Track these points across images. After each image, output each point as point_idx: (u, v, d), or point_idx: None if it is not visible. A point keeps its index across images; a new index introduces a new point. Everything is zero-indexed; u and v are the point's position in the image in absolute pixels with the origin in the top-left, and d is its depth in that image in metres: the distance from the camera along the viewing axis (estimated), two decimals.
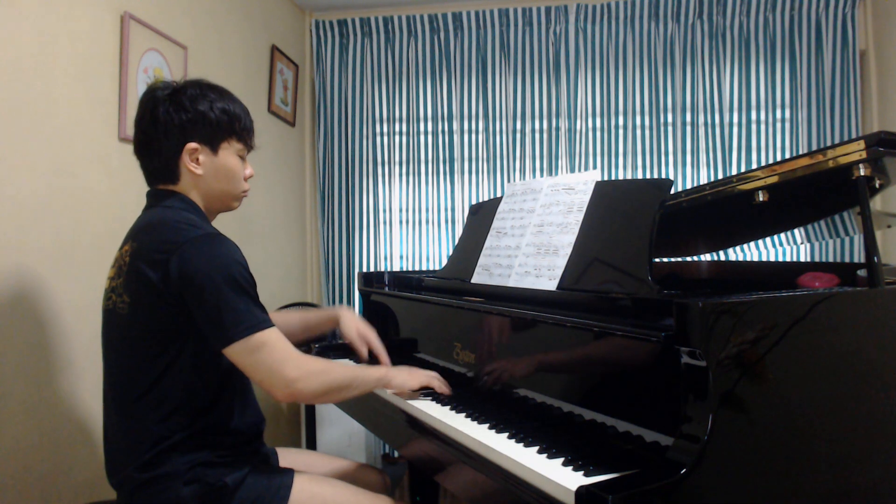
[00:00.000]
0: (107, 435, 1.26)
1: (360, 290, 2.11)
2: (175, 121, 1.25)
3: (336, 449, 2.86)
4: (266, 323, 1.18)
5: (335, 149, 3.32)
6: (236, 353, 1.16)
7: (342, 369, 1.30)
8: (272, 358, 1.17)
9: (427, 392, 1.49)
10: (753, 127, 3.05)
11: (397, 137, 3.30)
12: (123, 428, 1.20)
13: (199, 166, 1.28)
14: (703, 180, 3.06)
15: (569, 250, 1.42)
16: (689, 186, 3.07)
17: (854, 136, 2.96)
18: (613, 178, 3.11)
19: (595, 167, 3.14)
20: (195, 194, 1.30)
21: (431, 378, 1.46)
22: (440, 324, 1.69)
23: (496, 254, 1.64)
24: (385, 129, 3.31)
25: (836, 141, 2.94)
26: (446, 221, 3.25)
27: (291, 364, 1.19)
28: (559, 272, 1.41)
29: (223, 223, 1.67)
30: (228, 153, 1.31)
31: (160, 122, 1.25)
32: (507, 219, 1.68)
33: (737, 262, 2.73)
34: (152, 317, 1.18)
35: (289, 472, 1.29)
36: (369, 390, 1.40)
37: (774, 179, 1.24)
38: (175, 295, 1.15)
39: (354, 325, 1.70)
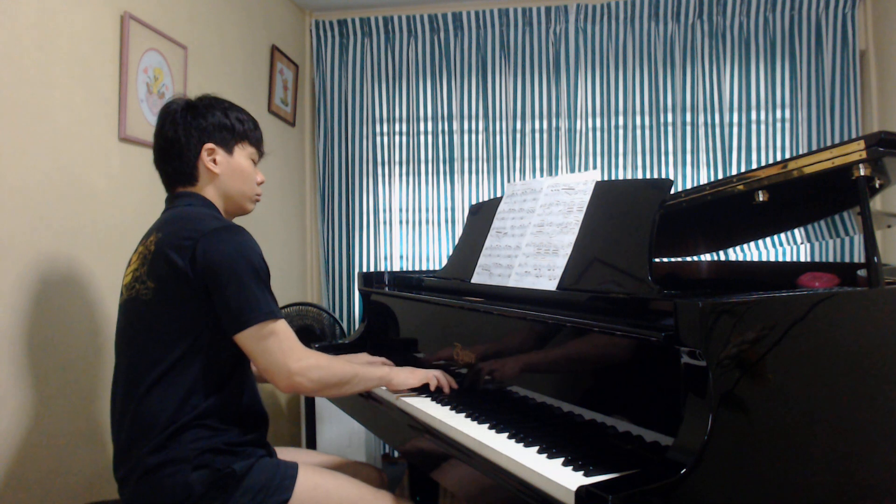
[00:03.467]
0: (117, 426, 1.28)
1: (360, 290, 2.11)
2: (193, 125, 1.36)
3: (336, 448, 2.86)
4: (279, 313, 1.26)
5: (335, 149, 3.32)
6: (247, 338, 1.22)
7: (343, 366, 1.35)
8: (279, 348, 1.23)
9: (425, 391, 1.49)
10: (753, 127, 3.05)
11: (397, 137, 3.30)
12: (140, 414, 1.22)
13: (217, 165, 1.38)
14: (703, 180, 3.06)
15: (569, 250, 1.42)
16: (689, 186, 3.07)
17: (854, 136, 2.96)
18: (613, 178, 3.11)
19: (595, 167, 3.14)
20: (212, 193, 1.39)
21: (431, 376, 1.49)
22: (440, 324, 1.68)
23: (496, 254, 1.64)
24: (385, 129, 3.31)
25: (836, 141, 2.94)
26: (446, 221, 3.25)
27: (295, 356, 1.25)
28: (559, 272, 1.41)
29: None
30: (242, 155, 1.42)
31: (180, 127, 1.36)
32: (507, 219, 1.68)
33: (737, 262, 2.73)
34: (175, 301, 1.24)
35: (293, 463, 1.32)
36: (370, 388, 1.45)
37: (774, 179, 1.25)
38: (199, 280, 1.22)
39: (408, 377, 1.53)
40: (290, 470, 1.29)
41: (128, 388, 1.25)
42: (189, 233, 1.24)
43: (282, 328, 1.25)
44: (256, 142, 1.45)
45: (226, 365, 1.27)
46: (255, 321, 1.21)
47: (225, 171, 1.39)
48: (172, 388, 1.22)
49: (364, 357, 1.70)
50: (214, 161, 1.37)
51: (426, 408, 1.39)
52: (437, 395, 1.47)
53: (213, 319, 1.24)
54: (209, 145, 1.36)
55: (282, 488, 1.25)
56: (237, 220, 1.42)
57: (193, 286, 1.22)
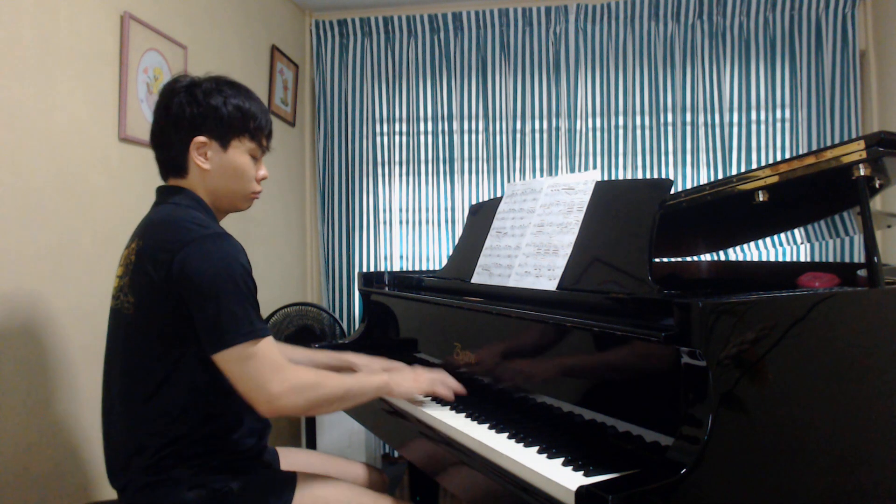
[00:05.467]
0: (108, 438, 1.24)
1: (360, 290, 2.11)
2: (186, 113, 1.24)
3: (336, 449, 2.86)
4: (263, 331, 1.15)
5: (335, 149, 3.32)
6: (226, 360, 1.12)
7: (335, 381, 1.24)
8: (259, 370, 1.13)
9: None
10: (753, 127, 3.05)
11: (397, 137, 3.30)
12: (129, 430, 1.18)
13: (207, 161, 1.26)
14: (703, 180, 3.06)
15: (569, 250, 1.42)
16: (689, 186, 3.07)
17: (854, 136, 2.96)
18: (613, 178, 3.11)
19: (595, 167, 3.14)
20: (203, 190, 1.28)
21: (436, 383, 1.40)
22: (440, 324, 1.68)
23: (496, 254, 1.64)
24: (385, 129, 3.31)
25: (836, 141, 2.94)
26: (446, 221, 3.25)
27: (278, 377, 1.14)
28: (559, 272, 1.41)
29: (223, 222, 1.66)
30: (239, 151, 1.28)
31: (172, 113, 1.24)
32: (507, 219, 1.68)
33: (737, 262, 2.73)
34: (156, 317, 1.16)
35: (291, 477, 1.27)
36: (369, 400, 1.33)
37: (774, 179, 1.24)
38: (177, 295, 1.13)
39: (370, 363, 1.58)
40: (289, 484, 1.25)
41: (120, 403, 1.21)
42: (167, 243, 1.14)
43: (263, 349, 1.13)
44: (258, 136, 1.30)
45: (219, 380, 1.17)
46: (233, 342, 1.10)
47: (216, 168, 1.26)
48: (163, 407, 1.16)
49: (367, 360, 1.61)
50: (205, 156, 1.25)
51: (426, 408, 1.39)
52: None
53: (198, 336, 1.15)
54: (200, 139, 1.24)
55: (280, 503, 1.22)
56: (233, 218, 1.39)
57: (172, 302, 1.13)
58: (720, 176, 3.04)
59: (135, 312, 1.18)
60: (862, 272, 1.35)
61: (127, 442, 1.19)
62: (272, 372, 1.13)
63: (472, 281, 1.68)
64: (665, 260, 2.17)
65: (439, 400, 1.44)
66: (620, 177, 3.10)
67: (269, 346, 1.15)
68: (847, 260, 2.97)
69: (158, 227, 1.21)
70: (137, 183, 1.94)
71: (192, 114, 1.23)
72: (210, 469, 1.18)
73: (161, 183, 1.33)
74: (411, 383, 1.37)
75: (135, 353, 1.19)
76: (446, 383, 1.41)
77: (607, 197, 1.44)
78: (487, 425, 1.24)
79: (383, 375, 1.35)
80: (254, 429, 1.29)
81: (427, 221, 3.28)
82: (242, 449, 1.25)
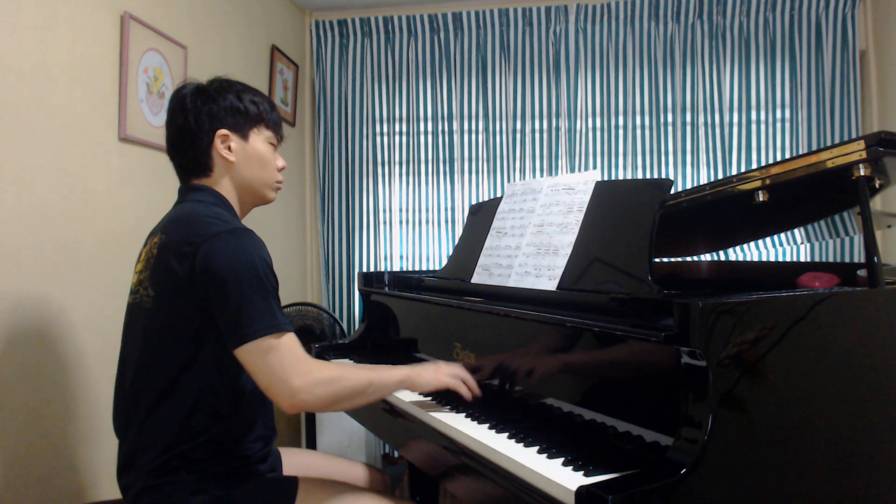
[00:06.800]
0: (120, 434, 1.24)
1: (360, 290, 2.11)
2: (204, 111, 1.28)
3: (336, 449, 2.86)
4: (284, 325, 1.15)
5: (335, 149, 3.32)
6: (247, 353, 1.12)
7: (357, 375, 1.22)
8: (280, 363, 1.12)
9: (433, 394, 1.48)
10: (753, 127, 3.05)
11: (397, 137, 3.31)
12: (139, 426, 1.18)
13: (232, 153, 1.30)
14: (703, 180, 3.06)
15: (569, 250, 1.42)
16: (689, 186, 3.07)
17: (854, 136, 2.96)
18: (613, 178, 3.11)
19: (595, 167, 3.14)
20: (228, 185, 1.31)
21: (457, 380, 1.35)
22: (440, 324, 1.69)
23: (496, 254, 1.64)
24: (385, 129, 3.31)
25: (836, 141, 2.94)
26: (446, 221, 3.25)
27: (299, 370, 1.13)
28: (559, 272, 1.41)
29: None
30: (259, 139, 1.33)
31: (191, 114, 1.28)
32: (507, 219, 1.68)
33: (737, 262, 2.73)
34: (176, 311, 1.17)
35: (293, 483, 1.27)
36: (390, 394, 1.31)
37: (774, 179, 1.24)
38: (199, 289, 1.14)
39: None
40: (291, 491, 1.24)
41: (131, 401, 1.21)
42: (191, 237, 1.16)
43: (285, 342, 1.13)
44: (273, 125, 1.36)
45: (231, 383, 1.19)
46: (255, 336, 1.11)
47: (241, 158, 1.30)
48: (174, 404, 1.16)
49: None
50: (229, 148, 1.28)
51: (426, 408, 1.39)
52: (440, 396, 1.47)
53: (217, 333, 1.15)
54: (222, 132, 1.28)
55: None
56: (250, 216, 1.39)
57: (194, 297, 1.14)
58: (720, 176, 3.04)
59: (154, 306, 1.19)
60: (862, 272, 1.35)
61: (136, 438, 1.19)
62: (294, 365, 1.13)
63: (472, 281, 1.68)
64: (665, 260, 2.17)
65: (439, 400, 1.44)
66: (620, 177, 3.10)
67: (291, 341, 1.15)
68: (847, 260, 2.97)
69: (182, 223, 1.22)
70: (137, 183, 1.94)
71: (210, 110, 1.28)
72: (214, 475, 1.18)
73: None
74: (432, 374, 1.34)
75: (151, 347, 1.20)
76: (469, 384, 1.37)
77: (607, 197, 1.44)
78: (487, 425, 1.24)
79: (405, 368, 1.33)
80: (261, 435, 1.28)
81: (427, 221, 3.28)
82: (248, 454, 1.24)
